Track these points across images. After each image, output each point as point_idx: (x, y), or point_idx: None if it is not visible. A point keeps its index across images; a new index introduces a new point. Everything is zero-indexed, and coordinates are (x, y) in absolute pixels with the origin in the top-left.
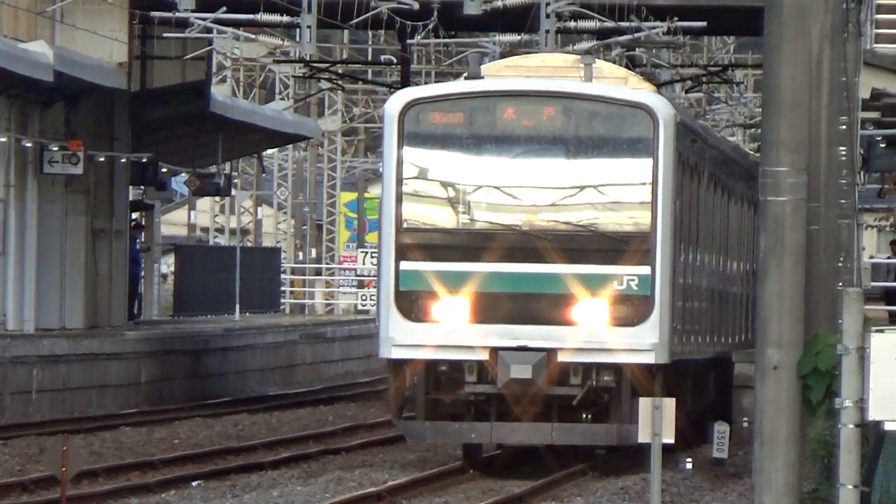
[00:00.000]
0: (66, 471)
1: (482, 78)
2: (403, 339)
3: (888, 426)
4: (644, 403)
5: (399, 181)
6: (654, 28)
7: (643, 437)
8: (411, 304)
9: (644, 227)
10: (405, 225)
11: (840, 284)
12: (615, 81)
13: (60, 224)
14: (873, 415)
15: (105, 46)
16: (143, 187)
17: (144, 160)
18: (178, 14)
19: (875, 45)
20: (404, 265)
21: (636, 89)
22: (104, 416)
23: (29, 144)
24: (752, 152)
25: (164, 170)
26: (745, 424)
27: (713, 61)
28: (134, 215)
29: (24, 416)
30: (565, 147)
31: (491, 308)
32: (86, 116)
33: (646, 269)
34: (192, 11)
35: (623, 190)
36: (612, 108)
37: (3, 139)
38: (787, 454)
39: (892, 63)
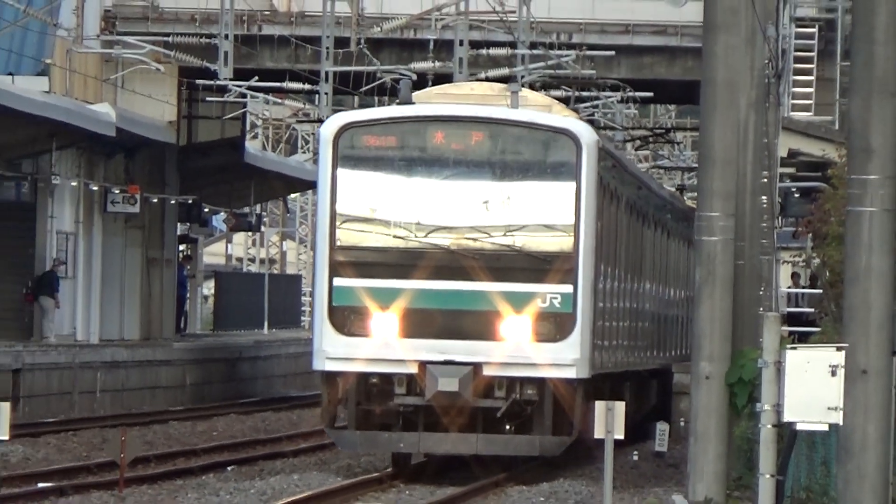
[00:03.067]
0: (125, 457)
1: (413, 103)
2: (336, 352)
3: (800, 426)
4: (599, 406)
5: (333, 201)
6: (610, 97)
7: (598, 433)
8: (344, 318)
9: (567, 247)
10: (339, 243)
11: (761, 309)
12: (540, 109)
13: (121, 254)
14: (788, 417)
15: (158, 108)
16: (188, 224)
17: (190, 202)
18: (218, 82)
19: (791, 113)
20: (337, 281)
21: (561, 115)
22: (156, 413)
23: (95, 188)
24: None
25: (206, 210)
26: (682, 424)
27: (658, 124)
28: (181, 247)
29: (89, 411)
30: (492, 170)
31: (420, 323)
32: (142, 165)
33: (568, 288)
34: (230, 80)
35: (547, 211)
36: (537, 133)
37: (74, 183)
38: (717, 448)
39: (805, 128)
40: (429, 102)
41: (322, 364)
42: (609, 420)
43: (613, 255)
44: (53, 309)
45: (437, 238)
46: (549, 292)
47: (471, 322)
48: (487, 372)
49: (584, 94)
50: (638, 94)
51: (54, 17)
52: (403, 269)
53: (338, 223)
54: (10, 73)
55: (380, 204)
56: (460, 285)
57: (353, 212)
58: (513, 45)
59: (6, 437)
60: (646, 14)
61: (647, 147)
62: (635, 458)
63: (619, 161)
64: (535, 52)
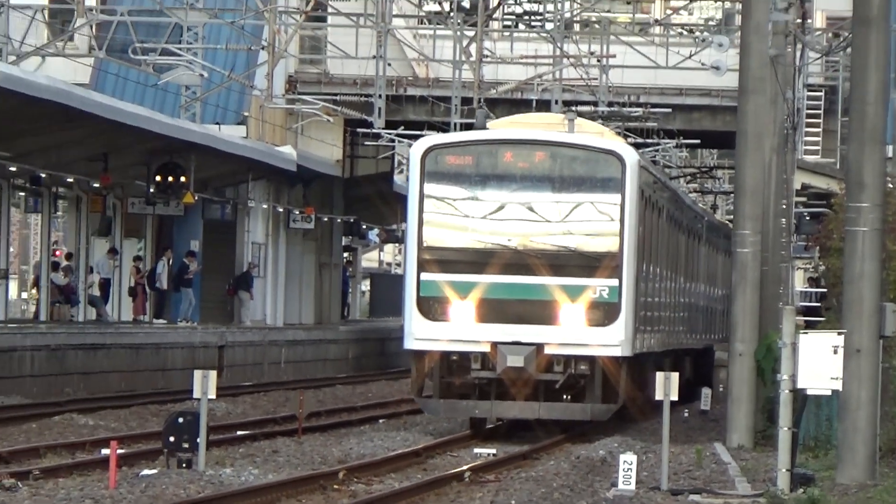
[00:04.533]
0: (302, 411)
1: (487, 129)
2: (423, 335)
3: (809, 391)
4: (660, 376)
5: (421, 210)
6: (668, 143)
7: (659, 396)
8: (429, 306)
9: (613, 248)
10: (425, 244)
11: (781, 304)
12: (593, 134)
13: (299, 259)
14: (801, 384)
15: (328, 149)
16: (350, 237)
17: (352, 220)
18: (373, 130)
19: (804, 156)
20: (424, 276)
21: (609, 139)
22: (325, 378)
23: (280, 209)
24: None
25: (364, 226)
26: (721, 389)
27: (703, 164)
28: (345, 254)
29: (276, 377)
30: (552, 184)
31: (492, 311)
32: (316, 192)
33: (614, 282)
34: (383, 128)
35: (597, 218)
36: (589, 154)
37: (265, 206)
38: (747, 407)
39: (814, 167)
40: (501, 128)
41: (411, 344)
42: (667, 386)
43: (654, 255)
44: (249, 300)
45: (506, 240)
46: (599, 285)
47: (534, 310)
48: (548, 351)
49: (649, 140)
50: (688, 141)
51: (251, 80)
52: (478, 266)
53: (424, 227)
54: (217, 123)
55: (459, 211)
56: (525, 279)
57: (436, 218)
58: (595, 103)
59: (213, 396)
60: (695, 81)
61: (695, 181)
62: (686, 415)
63: (659, 178)
64: (611, 109)
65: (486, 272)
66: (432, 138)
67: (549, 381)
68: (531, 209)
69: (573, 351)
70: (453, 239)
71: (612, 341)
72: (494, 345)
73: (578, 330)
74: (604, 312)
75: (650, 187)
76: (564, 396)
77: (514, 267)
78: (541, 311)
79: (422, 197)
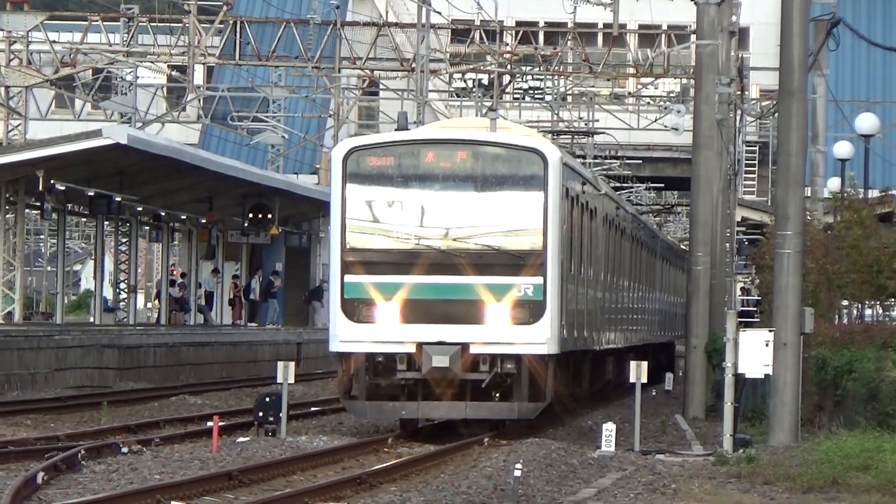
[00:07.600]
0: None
1: (408, 130)
2: (348, 336)
3: (748, 375)
4: (633, 363)
5: (343, 212)
6: (639, 186)
7: (633, 379)
8: (354, 308)
9: (537, 246)
10: (348, 246)
11: (725, 309)
12: (519, 134)
13: None
14: (741, 370)
15: None
16: None
17: None
18: None
19: (743, 195)
20: (348, 278)
21: (531, 136)
22: None
23: None
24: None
25: None
26: (681, 374)
27: (667, 203)
28: None
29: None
30: (474, 183)
31: (417, 311)
32: None
33: (539, 280)
34: None
35: (520, 217)
36: (511, 152)
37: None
38: (700, 388)
39: (751, 204)
40: (424, 129)
41: (336, 346)
42: (638, 372)
43: (585, 254)
44: (320, 308)
45: (430, 240)
46: (523, 283)
47: (459, 309)
48: (473, 350)
49: (625, 184)
50: (655, 185)
51: (320, 140)
52: (402, 267)
53: (347, 230)
54: (295, 173)
55: (382, 213)
56: (450, 279)
57: (359, 220)
58: (583, 156)
59: (293, 381)
60: (660, 139)
61: (659, 216)
62: (653, 394)
63: (587, 178)
64: (595, 160)
65: (411, 273)
66: (354, 140)
67: (476, 381)
68: (454, 209)
69: (498, 350)
70: (377, 240)
71: (538, 339)
72: (419, 345)
73: (503, 328)
74: (529, 311)
75: (579, 186)
76: (494, 395)
77: (439, 267)
78: (466, 311)
79: (344, 199)
